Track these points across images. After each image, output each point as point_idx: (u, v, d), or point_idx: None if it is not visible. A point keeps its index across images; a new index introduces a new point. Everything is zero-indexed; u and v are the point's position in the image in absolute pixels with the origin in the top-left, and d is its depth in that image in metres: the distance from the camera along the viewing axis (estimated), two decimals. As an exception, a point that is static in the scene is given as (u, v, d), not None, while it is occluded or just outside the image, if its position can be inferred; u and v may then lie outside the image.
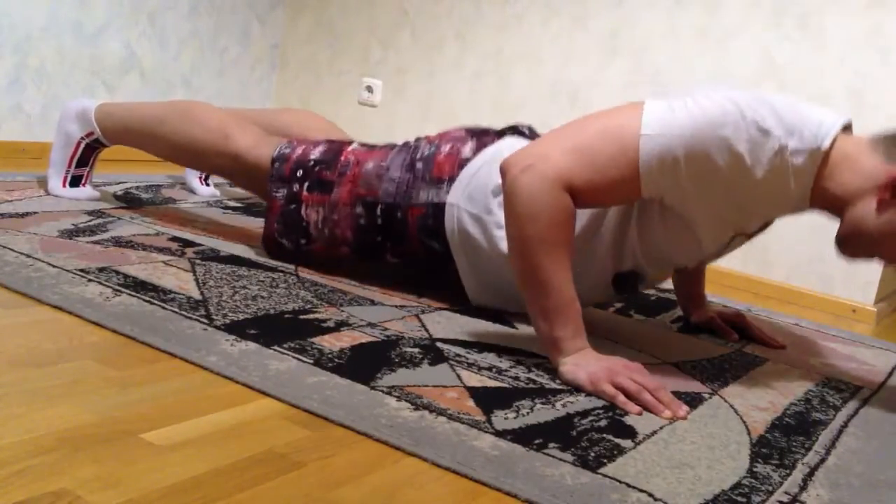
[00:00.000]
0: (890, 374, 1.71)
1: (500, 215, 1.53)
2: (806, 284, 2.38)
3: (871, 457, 1.23)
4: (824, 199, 1.32)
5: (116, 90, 2.71)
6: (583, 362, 1.30)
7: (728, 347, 1.68)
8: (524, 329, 1.55)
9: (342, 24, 3.14)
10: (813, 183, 1.29)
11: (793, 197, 1.31)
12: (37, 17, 2.46)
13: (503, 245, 1.51)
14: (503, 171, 1.31)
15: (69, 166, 1.98)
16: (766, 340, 1.74)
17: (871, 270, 2.30)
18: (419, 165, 1.63)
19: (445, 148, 1.64)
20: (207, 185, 2.38)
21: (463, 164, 1.61)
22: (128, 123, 1.91)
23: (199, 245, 1.76)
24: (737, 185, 1.28)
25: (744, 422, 1.27)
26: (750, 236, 1.49)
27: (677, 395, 1.31)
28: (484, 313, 1.62)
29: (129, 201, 2.08)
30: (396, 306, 1.57)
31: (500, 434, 1.08)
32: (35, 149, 2.46)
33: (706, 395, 1.36)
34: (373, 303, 1.57)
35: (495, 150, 1.60)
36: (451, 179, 1.60)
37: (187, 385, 1.09)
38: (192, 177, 2.38)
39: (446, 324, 1.51)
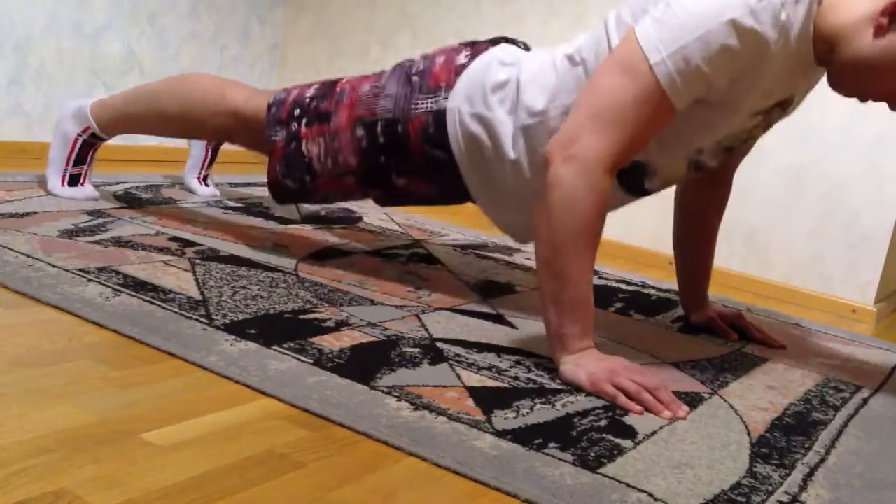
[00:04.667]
0: (890, 374, 1.71)
1: (500, 111, 1.53)
2: (806, 284, 2.38)
3: (871, 457, 1.23)
4: (825, 44, 1.34)
5: (116, 90, 2.70)
6: (583, 362, 1.30)
7: (728, 347, 1.68)
8: (524, 329, 1.55)
9: (342, 24, 3.14)
10: (813, 30, 1.32)
11: (802, 52, 1.33)
12: (37, 17, 2.46)
13: (507, 143, 1.52)
14: (548, 159, 1.30)
15: (67, 165, 1.99)
16: (765, 341, 1.74)
17: (871, 270, 2.30)
18: (415, 79, 1.63)
19: (440, 59, 1.65)
20: (207, 185, 2.38)
21: (459, 70, 1.61)
22: (122, 107, 1.92)
23: (199, 245, 1.76)
24: (758, 57, 1.30)
25: (744, 422, 1.27)
26: (768, 122, 1.50)
27: (677, 395, 1.31)
28: (484, 313, 1.62)
29: (129, 201, 2.08)
30: (396, 306, 1.57)
31: (500, 434, 1.08)
32: (35, 149, 2.46)
33: (706, 395, 1.36)
34: (373, 303, 1.57)
35: (490, 56, 1.61)
36: (449, 87, 1.60)
37: (187, 385, 1.09)
38: (192, 177, 2.37)
39: (446, 324, 1.51)
